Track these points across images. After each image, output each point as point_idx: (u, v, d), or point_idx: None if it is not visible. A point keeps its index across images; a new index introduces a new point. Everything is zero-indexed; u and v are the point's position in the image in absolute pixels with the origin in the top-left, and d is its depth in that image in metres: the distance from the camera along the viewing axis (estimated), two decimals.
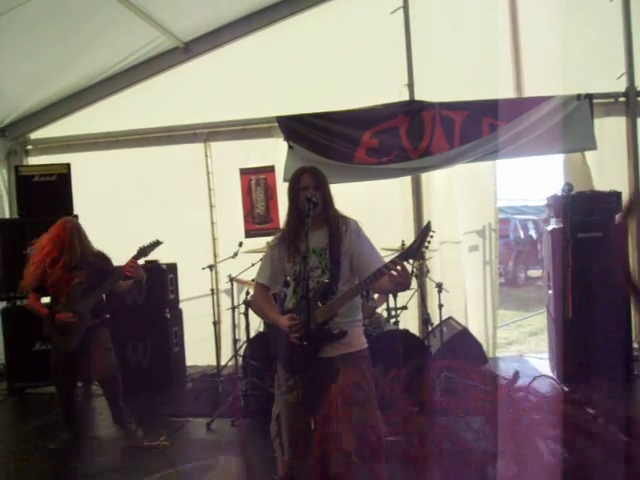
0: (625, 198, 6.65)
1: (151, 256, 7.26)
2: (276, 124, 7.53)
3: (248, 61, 8.02)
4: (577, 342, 5.73)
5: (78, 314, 5.27)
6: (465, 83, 7.50)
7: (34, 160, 8.64)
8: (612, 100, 7.55)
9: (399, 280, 3.38)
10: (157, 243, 5.59)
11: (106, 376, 5.41)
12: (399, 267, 3.34)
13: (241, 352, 6.65)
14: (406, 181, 7.81)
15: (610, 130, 7.46)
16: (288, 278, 3.85)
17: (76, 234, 5.49)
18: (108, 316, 5.74)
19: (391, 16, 7.69)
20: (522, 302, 13.60)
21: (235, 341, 6.83)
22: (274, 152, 7.81)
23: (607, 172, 7.37)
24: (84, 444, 5.52)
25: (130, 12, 6.93)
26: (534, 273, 17.17)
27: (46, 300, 5.62)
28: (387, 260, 3.53)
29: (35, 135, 8.75)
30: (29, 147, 8.80)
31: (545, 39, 7.25)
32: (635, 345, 7.07)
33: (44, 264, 5.35)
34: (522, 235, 18.25)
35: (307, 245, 3.43)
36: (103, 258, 5.65)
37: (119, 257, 7.40)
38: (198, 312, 7.67)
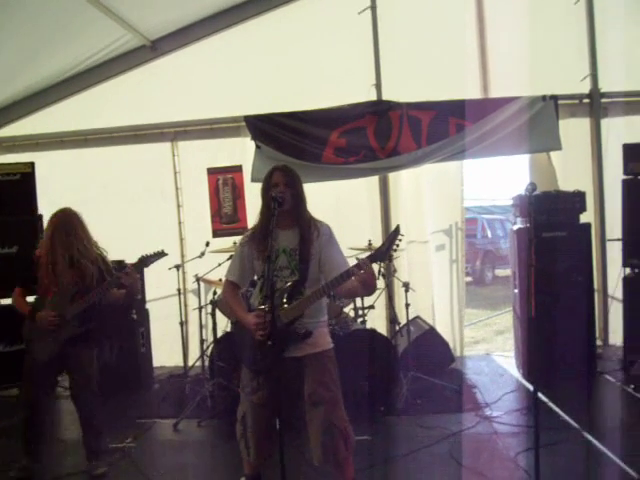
0: (589, 198, 6.76)
1: (117, 256, 7.24)
2: (244, 123, 7.51)
3: (216, 60, 8.00)
4: (542, 340, 5.79)
5: (61, 318, 4.71)
6: (432, 83, 7.55)
7: None
8: (577, 101, 7.67)
9: (365, 281, 3.41)
10: (161, 254, 5.04)
11: (79, 399, 4.92)
12: (366, 269, 3.36)
13: (208, 352, 6.62)
14: (374, 181, 7.83)
15: (575, 131, 7.58)
16: (255, 277, 3.84)
17: (68, 228, 4.91)
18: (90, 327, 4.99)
19: (359, 16, 7.72)
20: (489, 301, 13.73)
21: (202, 341, 6.80)
22: (242, 152, 7.78)
23: (572, 172, 7.47)
24: (51, 446, 5.44)
25: (97, 10, 6.85)
26: (501, 272, 17.34)
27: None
28: (355, 261, 3.54)
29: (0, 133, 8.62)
30: None
31: (511, 41, 7.35)
32: (598, 342, 7.19)
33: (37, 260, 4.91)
34: (490, 235, 18.42)
35: (272, 244, 3.41)
36: (103, 261, 5.10)
37: None
38: (165, 312, 7.62)
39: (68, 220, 4.98)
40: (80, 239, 4.95)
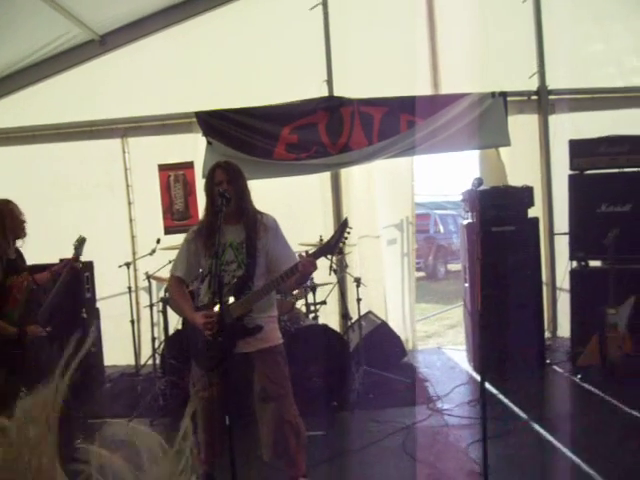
0: (537, 193, 6.88)
1: (67, 254, 7.13)
2: (195, 120, 7.45)
3: (167, 55, 7.92)
4: (492, 333, 5.88)
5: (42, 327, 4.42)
6: (384, 80, 7.61)
7: None
8: (525, 98, 7.80)
9: (304, 277, 3.48)
10: (82, 240, 4.93)
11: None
12: (311, 267, 3.41)
13: (160, 350, 6.56)
14: (325, 177, 7.85)
15: (523, 127, 7.72)
16: (203, 273, 3.83)
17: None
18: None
19: (310, 12, 7.72)
20: (442, 295, 13.87)
21: (153, 339, 6.73)
22: (194, 148, 7.71)
23: (520, 168, 7.61)
24: None
25: (43, 2, 6.72)
26: (454, 267, 17.52)
27: None
28: (303, 254, 3.56)
29: None
30: None
31: (461, 38, 7.44)
32: (547, 334, 7.33)
33: None
34: (442, 230, 18.61)
35: (219, 239, 3.41)
36: (20, 253, 4.75)
37: (35, 255, 7.22)
38: (116, 311, 7.53)
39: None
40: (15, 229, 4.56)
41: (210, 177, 3.78)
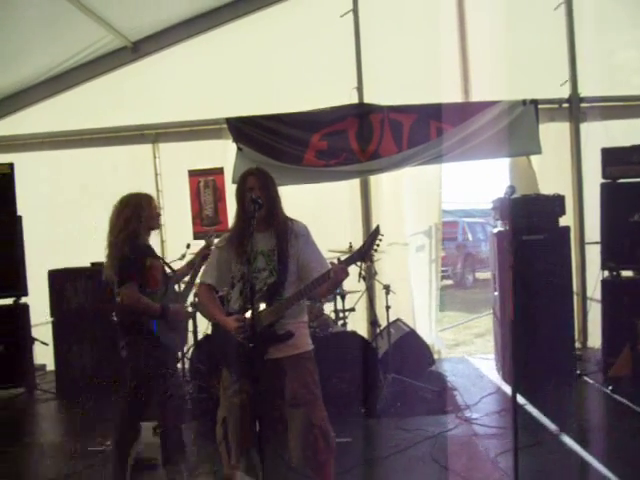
0: (568, 201, 6.81)
1: (95, 258, 7.21)
2: (225, 126, 7.49)
3: (198, 62, 7.99)
4: (522, 343, 5.80)
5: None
6: (413, 87, 7.59)
7: None
8: (556, 106, 7.74)
9: (337, 283, 3.47)
10: None
11: None
12: (343, 275, 3.41)
13: (188, 355, 6.59)
14: (355, 183, 7.86)
15: (554, 135, 7.66)
16: (234, 280, 3.83)
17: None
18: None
19: (341, 19, 7.74)
20: (470, 304, 13.77)
21: None
22: (223, 154, 7.76)
23: (551, 176, 7.54)
24: (26, 451, 5.40)
25: (77, 10, 6.82)
26: (482, 275, 17.42)
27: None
28: (335, 262, 3.54)
29: None
30: None
31: (492, 45, 7.39)
32: (577, 345, 7.24)
33: None
34: (470, 238, 18.50)
35: (251, 246, 3.41)
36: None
37: (66, 259, 7.32)
38: None
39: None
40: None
41: (242, 183, 3.79)
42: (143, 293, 4.35)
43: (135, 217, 4.52)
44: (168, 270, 4.81)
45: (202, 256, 4.62)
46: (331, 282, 3.48)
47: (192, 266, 4.78)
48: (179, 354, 6.25)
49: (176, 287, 4.93)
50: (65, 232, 7.83)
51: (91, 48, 7.88)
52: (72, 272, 7.20)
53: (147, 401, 4.43)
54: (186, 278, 4.82)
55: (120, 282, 4.37)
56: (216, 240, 4.13)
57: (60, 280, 7.15)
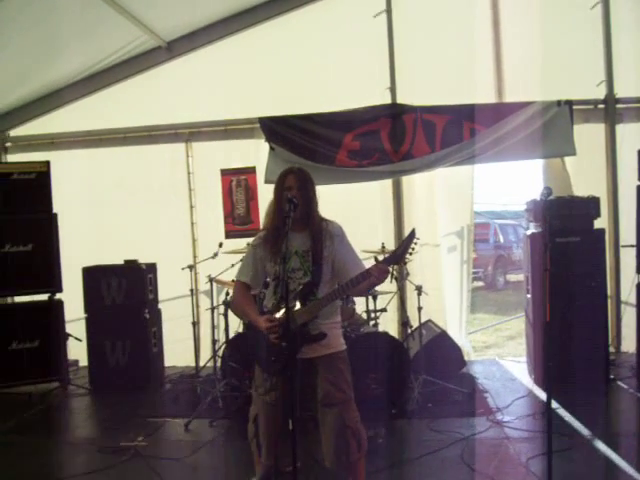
0: (603, 204, 6.73)
1: (129, 255, 7.29)
2: (258, 125, 7.53)
3: (231, 62, 8.02)
4: (555, 346, 5.77)
5: None
6: (446, 87, 7.54)
7: (13, 158, 8.53)
8: (591, 107, 7.64)
9: (378, 282, 3.42)
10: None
11: None
12: (382, 276, 3.38)
13: (220, 353, 6.63)
14: (387, 184, 7.84)
15: (589, 136, 7.55)
16: (268, 279, 3.84)
17: None
18: None
19: (374, 20, 7.74)
20: (501, 306, 13.68)
21: (214, 342, 6.81)
22: (256, 153, 7.80)
23: (586, 178, 7.45)
24: (60, 446, 5.47)
25: (113, 10, 6.88)
26: (513, 277, 17.29)
27: None
28: (368, 263, 3.54)
29: (15, 132, 8.66)
30: (8, 144, 8.70)
31: (526, 45, 7.34)
32: (611, 349, 7.15)
33: None
34: (502, 239, 18.37)
35: (287, 245, 3.42)
36: None
37: (98, 255, 7.42)
38: (177, 313, 7.65)
39: None
40: None
41: (280, 182, 3.78)
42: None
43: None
44: None
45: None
46: (371, 282, 3.46)
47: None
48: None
49: None
50: (99, 229, 7.92)
51: (126, 48, 7.96)
52: (106, 269, 7.28)
53: None
54: None
55: None
56: (251, 239, 4.14)
57: (94, 277, 7.23)
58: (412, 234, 3.46)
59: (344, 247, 3.75)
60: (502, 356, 8.46)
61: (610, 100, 7.59)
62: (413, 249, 3.48)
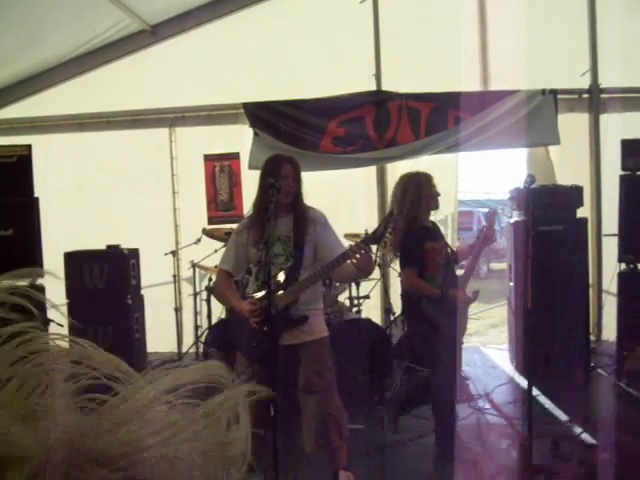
0: (587, 193, 6.76)
1: (111, 240, 7.24)
2: (242, 111, 7.49)
3: (215, 46, 7.97)
4: (537, 334, 5.79)
5: None
6: (432, 75, 7.54)
7: None
8: (576, 96, 7.65)
9: (362, 263, 3.40)
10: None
11: None
12: (362, 251, 3.35)
13: (202, 339, 6.62)
14: (371, 171, 7.83)
15: (573, 126, 7.58)
16: (251, 265, 3.84)
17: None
18: None
19: (360, 6, 7.70)
20: (484, 294, 13.61)
21: (197, 328, 6.80)
22: (239, 139, 7.75)
23: (569, 167, 7.48)
24: None
25: None
26: (496, 266, 17.34)
27: None
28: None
29: None
30: None
31: (512, 34, 7.33)
32: (592, 337, 7.20)
33: None
34: None
35: (270, 231, 3.42)
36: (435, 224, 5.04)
37: (80, 240, 7.36)
38: (160, 299, 7.62)
39: None
40: None
41: (275, 171, 3.74)
42: (422, 276, 4.37)
43: (416, 198, 4.51)
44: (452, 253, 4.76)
45: (482, 242, 4.60)
46: (356, 266, 3.44)
47: (472, 250, 4.75)
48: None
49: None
50: (82, 214, 7.87)
51: (110, 31, 7.87)
52: (88, 254, 7.22)
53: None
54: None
55: (401, 266, 4.51)
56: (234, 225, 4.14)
57: (76, 262, 7.17)
58: (390, 214, 3.47)
59: (326, 233, 3.75)
60: (484, 344, 8.51)
61: (594, 90, 7.61)
62: (393, 228, 3.47)
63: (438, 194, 4.66)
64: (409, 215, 4.44)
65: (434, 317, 4.40)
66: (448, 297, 4.35)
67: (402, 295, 4.71)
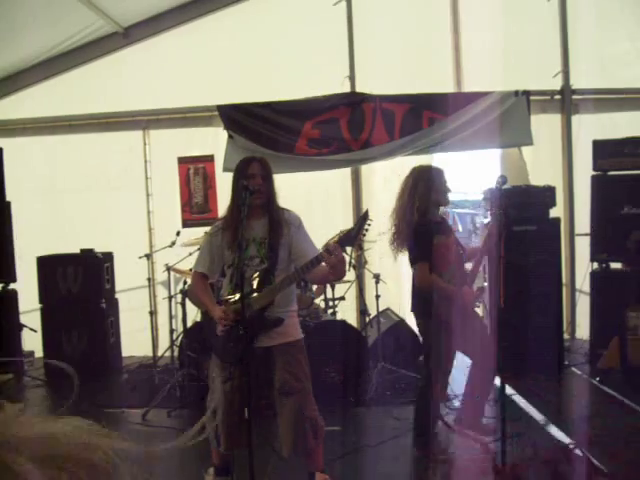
0: (559, 193, 6.83)
1: (85, 244, 7.18)
2: (217, 113, 7.47)
3: (189, 49, 7.94)
4: (511, 332, 5.84)
5: None
6: (406, 77, 7.58)
7: None
8: (548, 97, 7.74)
9: (336, 266, 3.38)
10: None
11: None
12: (336, 253, 3.34)
13: (178, 342, 6.58)
14: (346, 172, 7.85)
15: (546, 126, 7.67)
16: (225, 267, 3.82)
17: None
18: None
19: (334, 7, 7.72)
20: None
21: (172, 331, 6.75)
22: (214, 141, 7.74)
23: (542, 167, 7.55)
24: None
25: None
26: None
27: None
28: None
29: None
30: None
31: (485, 36, 7.40)
32: (566, 336, 7.28)
33: None
34: (460, 228, 18.47)
35: (243, 233, 3.41)
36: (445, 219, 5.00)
37: (53, 244, 7.30)
38: (134, 302, 7.58)
39: None
40: None
41: (243, 170, 3.75)
42: (437, 272, 4.30)
43: (426, 191, 4.44)
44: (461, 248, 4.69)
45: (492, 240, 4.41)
46: (331, 268, 3.42)
47: (478, 251, 4.70)
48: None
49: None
50: (55, 218, 7.80)
51: (82, 33, 7.82)
52: (61, 258, 7.16)
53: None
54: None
55: (411, 262, 4.42)
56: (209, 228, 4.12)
57: (49, 266, 7.12)
58: (365, 215, 3.45)
59: (301, 235, 3.75)
60: None
61: (566, 91, 7.69)
62: (367, 230, 3.46)
63: (449, 190, 4.61)
64: (419, 209, 4.38)
65: (447, 314, 4.34)
66: (459, 294, 4.32)
67: (413, 291, 4.55)
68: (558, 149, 7.79)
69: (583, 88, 7.64)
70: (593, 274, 6.67)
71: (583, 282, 7.13)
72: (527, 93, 7.19)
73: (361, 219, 3.44)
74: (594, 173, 6.66)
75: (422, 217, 4.38)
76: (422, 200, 4.41)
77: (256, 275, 3.62)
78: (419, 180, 4.50)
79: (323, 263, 3.42)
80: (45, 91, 8.19)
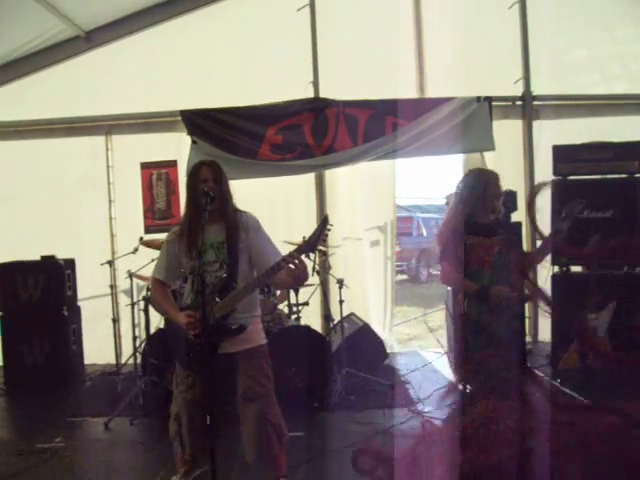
0: (520, 197, 6.90)
1: (46, 251, 7.07)
2: (180, 118, 7.42)
3: (152, 53, 7.89)
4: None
5: None
6: (369, 82, 7.63)
7: None
8: (510, 103, 7.84)
9: (297, 273, 3.39)
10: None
11: None
12: (296, 260, 3.34)
13: (140, 349, 6.52)
14: (310, 178, 7.85)
15: (508, 132, 7.77)
16: (186, 274, 3.80)
17: None
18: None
19: (297, 13, 7.73)
20: (424, 298, 13.87)
21: (134, 338, 6.69)
22: (177, 147, 7.68)
23: (504, 172, 7.54)
24: None
25: None
26: (436, 270, 17.53)
27: None
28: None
29: None
30: None
31: (447, 42, 7.46)
32: (528, 338, 7.36)
33: None
34: (425, 233, 18.61)
35: (203, 239, 3.39)
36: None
37: (14, 251, 7.18)
38: (97, 309, 7.51)
39: None
40: None
41: (195, 174, 3.75)
42: (465, 272, 4.26)
43: (480, 195, 4.42)
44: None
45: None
46: (291, 275, 3.42)
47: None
48: None
49: None
50: (15, 224, 7.68)
51: (43, 37, 7.71)
52: (21, 265, 7.06)
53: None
54: None
55: (439, 259, 4.44)
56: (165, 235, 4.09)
57: (9, 274, 7.01)
58: (325, 221, 3.46)
59: (261, 238, 3.73)
60: (424, 348, 8.59)
61: (527, 97, 7.80)
62: (327, 235, 3.47)
63: (502, 195, 4.63)
64: (468, 210, 4.38)
65: (473, 314, 4.38)
66: (490, 294, 4.32)
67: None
68: (519, 154, 7.89)
69: (543, 94, 7.76)
70: (554, 277, 6.75)
71: (544, 285, 7.21)
72: (489, 99, 7.28)
73: (321, 224, 3.45)
74: (554, 178, 6.75)
75: (468, 218, 4.37)
76: (475, 202, 4.43)
77: (217, 282, 3.60)
78: (477, 183, 4.52)
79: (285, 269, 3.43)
80: (5, 95, 8.06)
